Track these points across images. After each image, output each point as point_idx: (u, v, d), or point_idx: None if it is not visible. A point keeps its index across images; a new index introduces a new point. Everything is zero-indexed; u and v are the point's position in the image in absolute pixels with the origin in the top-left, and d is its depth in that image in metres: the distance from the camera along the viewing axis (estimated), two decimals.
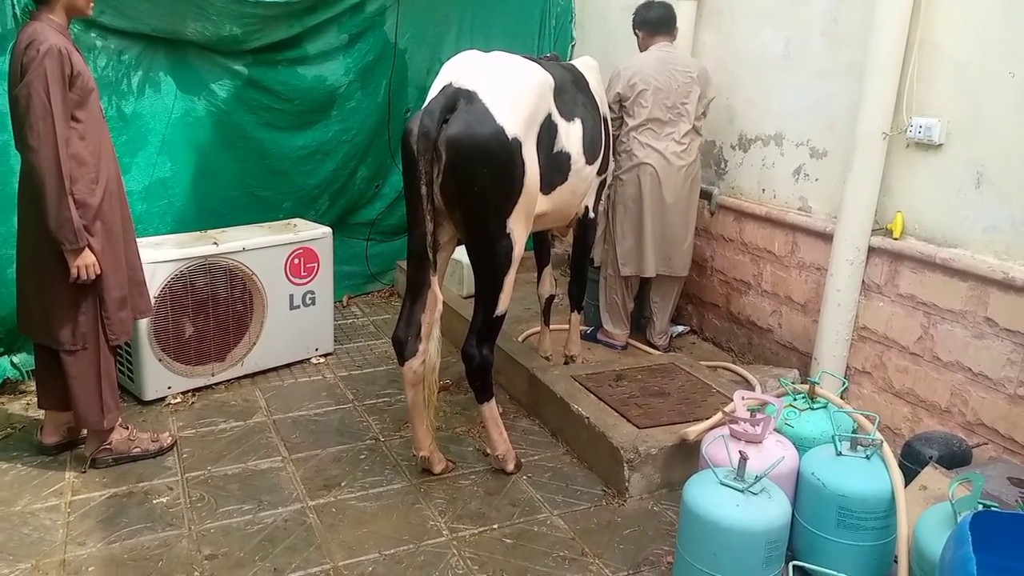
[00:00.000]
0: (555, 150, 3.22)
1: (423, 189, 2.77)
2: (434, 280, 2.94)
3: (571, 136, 3.33)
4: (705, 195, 4.39)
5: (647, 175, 4.09)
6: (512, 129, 2.87)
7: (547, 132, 3.13)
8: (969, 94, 3.14)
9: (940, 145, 3.26)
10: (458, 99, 2.84)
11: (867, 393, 3.66)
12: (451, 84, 2.88)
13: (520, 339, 4.43)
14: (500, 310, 3.07)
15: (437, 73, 3.08)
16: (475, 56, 3.13)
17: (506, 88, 2.94)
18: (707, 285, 4.65)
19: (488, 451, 3.32)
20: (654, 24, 4.15)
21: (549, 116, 3.15)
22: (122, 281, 3.07)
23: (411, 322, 3.07)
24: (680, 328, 4.69)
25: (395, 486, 3.17)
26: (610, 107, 4.06)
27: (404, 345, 3.07)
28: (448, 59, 3.17)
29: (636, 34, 4.25)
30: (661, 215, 4.13)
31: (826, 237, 3.76)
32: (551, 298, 4.08)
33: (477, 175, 2.82)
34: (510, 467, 3.26)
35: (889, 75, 3.35)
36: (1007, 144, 3.02)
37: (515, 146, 2.89)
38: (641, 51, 4.20)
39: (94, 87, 2.95)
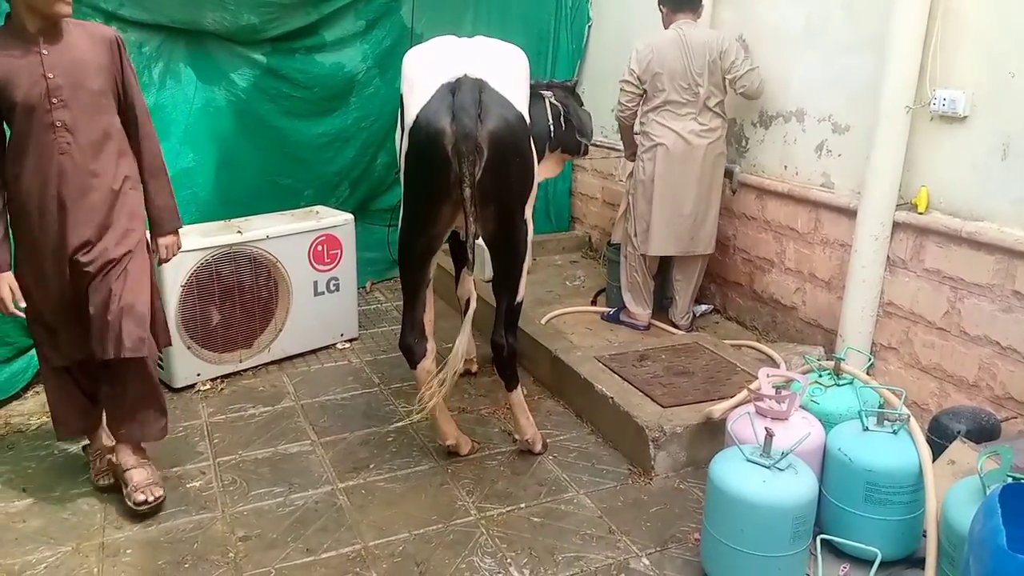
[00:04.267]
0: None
1: (467, 191, 2.63)
2: (469, 279, 3.09)
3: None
4: (726, 173, 4.37)
5: (662, 155, 4.10)
6: (525, 114, 2.85)
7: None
8: (994, 64, 3.09)
9: (965, 117, 3.22)
10: (480, 90, 2.69)
11: (893, 369, 3.64)
12: (466, 75, 2.70)
13: (543, 321, 4.45)
14: (521, 296, 3.10)
15: None
16: (459, 41, 2.98)
17: (507, 72, 2.85)
18: (730, 264, 4.64)
19: (517, 436, 3.32)
20: (679, 1, 4.10)
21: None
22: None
23: (415, 325, 3.09)
24: (703, 307, 4.69)
25: (423, 467, 3.21)
26: (626, 83, 4.09)
27: (413, 350, 3.09)
28: None
29: (661, 10, 4.19)
30: (676, 195, 4.13)
31: (850, 213, 3.73)
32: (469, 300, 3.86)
33: (512, 166, 2.79)
34: (538, 448, 3.28)
35: (912, 47, 3.30)
36: None
37: (529, 131, 2.89)
38: (665, 27, 4.15)
39: None
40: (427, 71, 2.78)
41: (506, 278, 3.04)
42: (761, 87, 4.08)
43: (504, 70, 2.83)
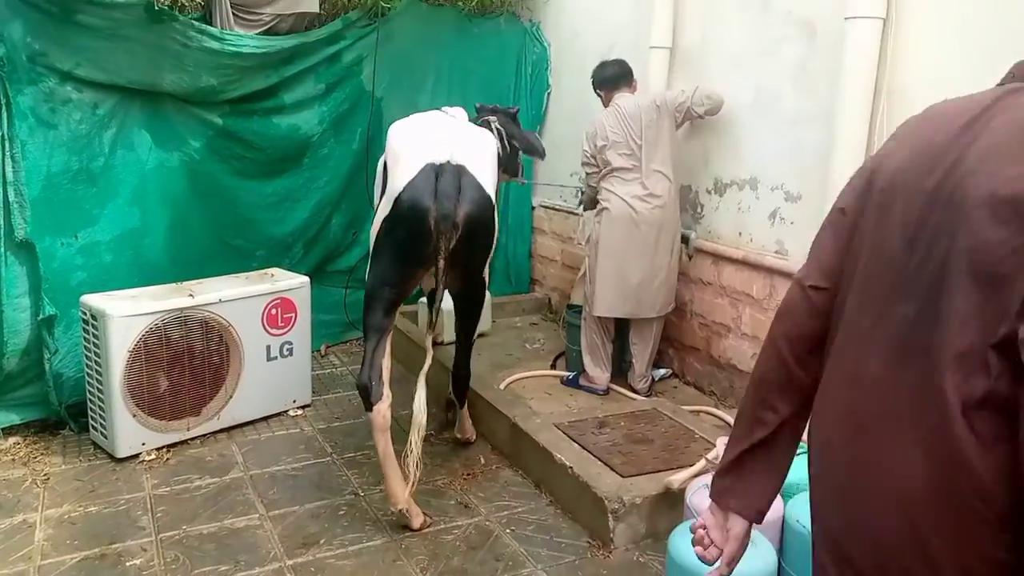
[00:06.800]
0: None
1: (442, 263, 3.03)
2: (428, 337, 3.29)
3: None
4: (683, 239, 4.43)
5: (605, 218, 4.24)
6: (493, 196, 3.25)
7: None
8: None
9: None
10: (460, 175, 3.05)
11: None
12: (449, 161, 3.04)
13: (502, 386, 4.40)
14: (476, 334, 3.76)
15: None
16: (442, 121, 3.40)
17: (483, 159, 3.23)
18: (687, 328, 4.66)
19: (459, 435, 3.91)
20: (611, 80, 4.34)
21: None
22: None
23: (373, 366, 3.18)
24: (662, 371, 4.69)
25: (375, 542, 3.10)
26: (585, 165, 4.36)
27: (370, 390, 3.14)
28: (421, 108, 3.58)
29: (599, 94, 4.42)
30: (620, 257, 4.22)
31: None
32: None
33: (480, 238, 3.22)
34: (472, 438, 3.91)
35: (858, 121, 3.40)
36: None
37: (494, 208, 3.31)
38: (605, 107, 4.35)
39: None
40: (413, 148, 3.12)
41: (467, 321, 3.64)
42: (716, 96, 4.14)
43: (478, 155, 3.22)
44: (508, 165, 4.03)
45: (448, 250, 3.03)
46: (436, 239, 3.00)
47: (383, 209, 3.14)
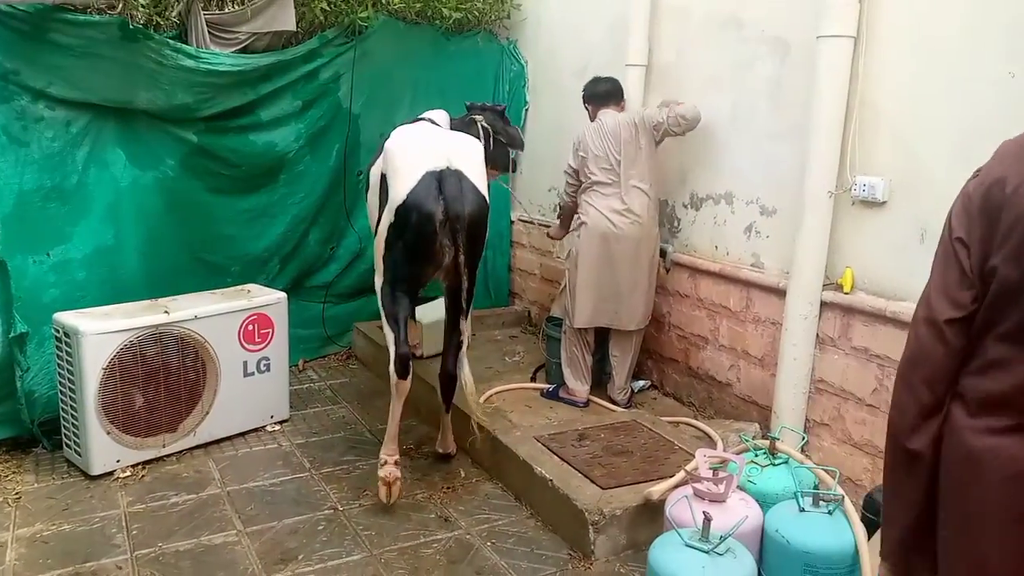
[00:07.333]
0: None
1: (462, 258, 3.34)
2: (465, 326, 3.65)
3: None
4: (660, 252, 4.47)
5: (585, 232, 4.27)
6: (487, 196, 3.48)
7: None
8: (909, 153, 3.26)
9: (884, 202, 3.36)
10: (460, 180, 3.33)
11: (827, 445, 3.69)
12: (448, 168, 3.31)
13: (482, 399, 4.39)
14: (468, 333, 3.74)
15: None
16: (434, 132, 3.68)
17: (476, 163, 3.49)
18: (665, 340, 4.69)
19: (440, 449, 3.89)
20: (602, 96, 4.40)
21: None
22: None
23: (408, 343, 3.50)
24: (641, 383, 4.71)
25: (354, 557, 3.08)
26: (566, 173, 4.43)
27: (409, 360, 3.45)
28: (401, 123, 3.72)
29: (587, 108, 4.48)
30: (598, 269, 4.25)
31: (779, 292, 3.83)
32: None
33: (480, 235, 3.49)
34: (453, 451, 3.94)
35: (831, 136, 3.46)
36: (948, 200, 3.11)
37: (489, 208, 3.52)
38: (591, 121, 4.40)
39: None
40: (411, 159, 3.36)
41: (461, 318, 3.65)
42: (692, 115, 4.11)
43: (472, 161, 3.48)
44: (497, 160, 4.23)
45: (465, 246, 3.32)
46: (452, 238, 3.28)
47: (387, 218, 3.37)
